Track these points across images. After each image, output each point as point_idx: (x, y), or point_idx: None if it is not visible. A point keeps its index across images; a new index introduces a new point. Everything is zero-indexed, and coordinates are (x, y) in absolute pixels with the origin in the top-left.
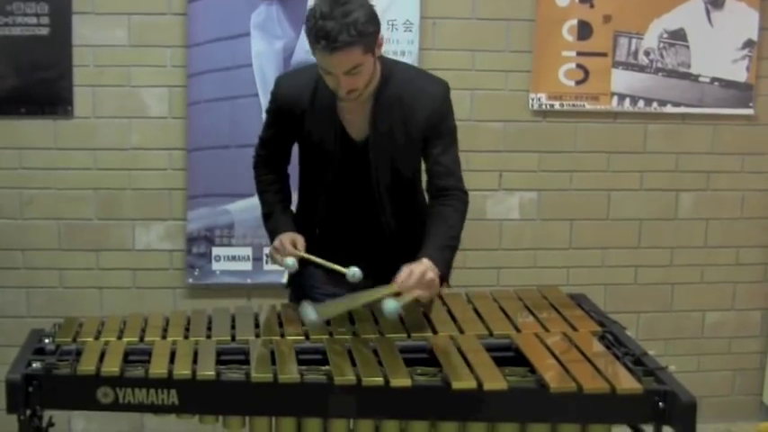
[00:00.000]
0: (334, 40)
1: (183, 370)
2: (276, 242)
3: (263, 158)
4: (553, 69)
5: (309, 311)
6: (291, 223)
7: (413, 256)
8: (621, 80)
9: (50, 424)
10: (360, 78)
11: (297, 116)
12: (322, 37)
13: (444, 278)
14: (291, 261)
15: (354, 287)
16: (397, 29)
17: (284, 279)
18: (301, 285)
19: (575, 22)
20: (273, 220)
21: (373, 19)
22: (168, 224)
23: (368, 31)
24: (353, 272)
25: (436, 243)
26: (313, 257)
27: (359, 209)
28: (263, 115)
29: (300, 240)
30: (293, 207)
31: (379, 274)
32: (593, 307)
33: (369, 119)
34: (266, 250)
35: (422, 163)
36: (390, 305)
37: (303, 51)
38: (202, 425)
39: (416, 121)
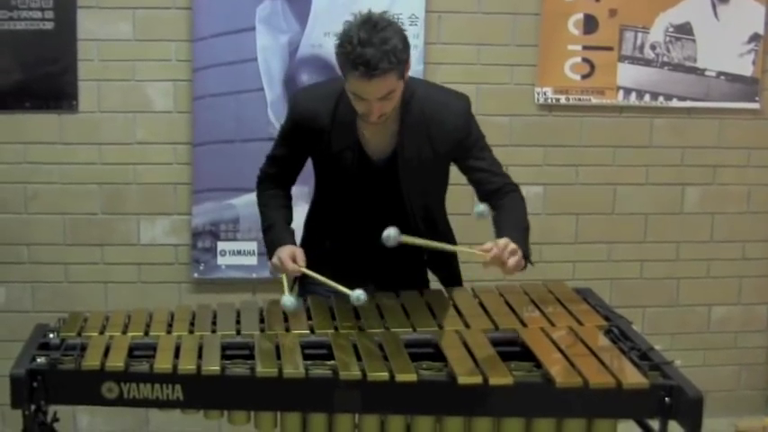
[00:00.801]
0: (375, 68)
1: (187, 365)
2: (275, 258)
3: (270, 176)
4: (559, 63)
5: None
6: (292, 237)
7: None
8: (627, 74)
9: (55, 419)
10: (391, 103)
11: (315, 132)
12: (361, 64)
13: (526, 257)
14: (290, 301)
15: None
16: (402, 23)
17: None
18: (307, 283)
19: (580, 15)
20: (273, 234)
21: (408, 45)
22: (173, 219)
23: (404, 58)
24: (357, 295)
25: (508, 226)
26: (314, 274)
27: (378, 228)
28: (269, 110)
29: (300, 255)
30: (302, 216)
31: (392, 284)
32: (598, 301)
33: (395, 139)
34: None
35: (447, 184)
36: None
37: (308, 46)
38: (207, 420)
39: (442, 137)
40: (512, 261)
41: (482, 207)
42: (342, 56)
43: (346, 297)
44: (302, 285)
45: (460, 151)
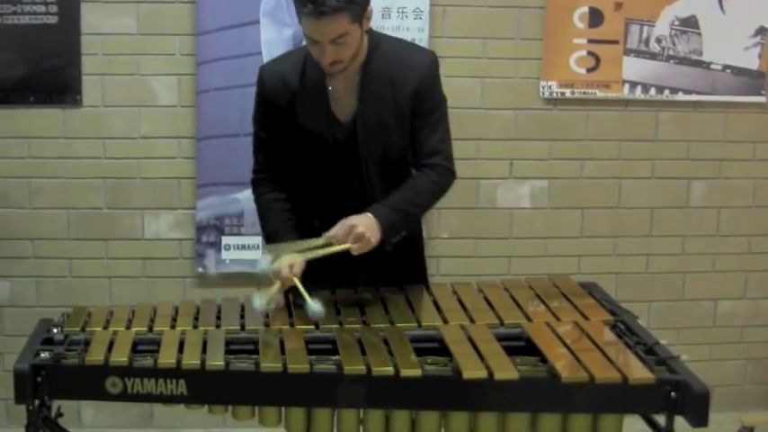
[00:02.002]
0: (322, 4)
1: (192, 360)
2: (276, 264)
3: (262, 176)
4: (564, 57)
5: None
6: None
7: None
8: (633, 68)
9: (59, 414)
10: (345, 49)
11: (287, 103)
12: (310, 1)
13: (386, 240)
14: (259, 302)
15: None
16: (407, 16)
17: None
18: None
19: (586, 9)
20: (279, 239)
21: None
22: (177, 213)
23: (357, 0)
24: (312, 310)
25: (390, 202)
26: (301, 288)
27: (351, 193)
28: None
29: (299, 266)
30: None
31: (372, 261)
32: (604, 296)
33: (356, 94)
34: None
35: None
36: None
37: None
38: (211, 415)
39: (404, 92)
40: (356, 247)
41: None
42: None
43: (305, 304)
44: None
45: (418, 110)
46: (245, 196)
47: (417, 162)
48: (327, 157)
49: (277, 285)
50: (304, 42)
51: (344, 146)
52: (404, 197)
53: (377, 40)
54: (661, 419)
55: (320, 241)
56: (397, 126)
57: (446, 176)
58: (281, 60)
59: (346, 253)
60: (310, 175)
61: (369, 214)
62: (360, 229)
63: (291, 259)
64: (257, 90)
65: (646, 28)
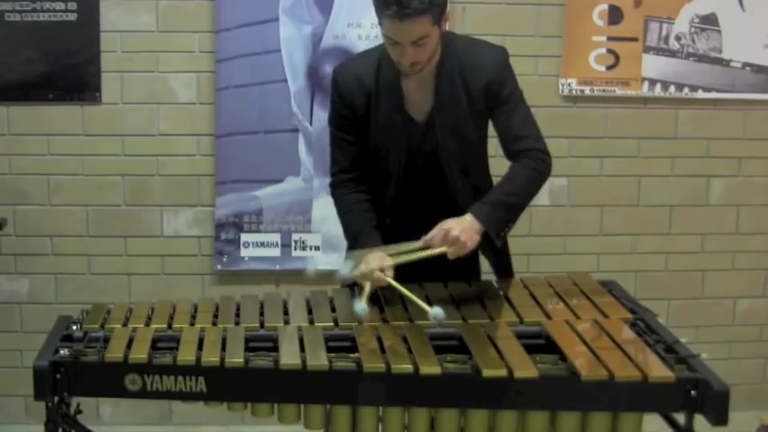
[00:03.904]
0: (407, 6)
1: (211, 357)
2: (363, 266)
3: (343, 177)
4: (583, 54)
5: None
6: (380, 242)
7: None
8: (652, 65)
9: (78, 411)
10: (425, 51)
11: (363, 103)
12: (393, 2)
13: (489, 235)
14: (362, 308)
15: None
16: None
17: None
18: None
19: (605, 6)
20: (360, 240)
21: None
22: (196, 210)
23: (439, 2)
24: (435, 313)
25: (489, 198)
26: (400, 287)
27: (430, 191)
28: (292, 101)
29: (389, 266)
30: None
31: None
32: (624, 294)
33: (432, 92)
34: (295, 236)
35: (486, 138)
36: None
37: (331, 37)
38: (230, 412)
39: (476, 88)
40: (451, 250)
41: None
42: None
43: (424, 313)
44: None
45: (494, 104)
46: (265, 193)
47: (509, 152)
48: (402, 156)
49: (368, 287)
50: (367, 42)
51: (421, 144)
52: (502, 190)
53: (449, 39)
54: (681, 418)
55: (416, 245)
56: (473, 123)
57: (539, 158)
58: (355, 62)
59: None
60: (384, 174)
61: (467, 217)
62: (455, 233)
63: (380, 260)
64: (333, 92)
65: (665, 25)
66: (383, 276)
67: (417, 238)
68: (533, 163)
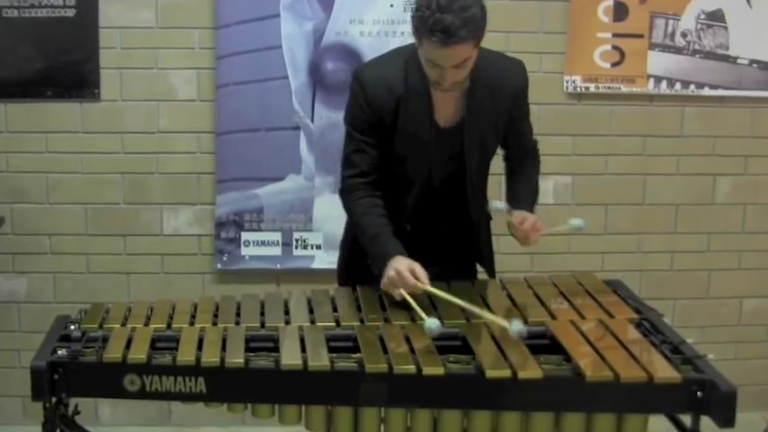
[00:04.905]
0: (453, 35)
1: (211, 357)
2: (391, 272)
3: (357, 180)
4: (588, 51)
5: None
6: (402, 247)
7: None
8: (658, 62)
9: (76, 412)
10: (465, 71)
11: (392, 108)
12: (439, 30)
13: None
14: (435, 324)
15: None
16: None
17: (315, 264)
18: (357, 270)
19: (610, 2)
20: (381, 243)
21: (485, 13)
22: (196, 209)
23: (482, 26)
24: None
25: (529, 198)
26: (438, 292)
27: (449, 199)
28: (293, 98)
29: (420, 270)
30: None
31: (458, 269)
32: (629, 293)
33: (463, 103)
34: (296, 235)
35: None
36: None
37: (333, 33)
38: (231, 413)
39: (504, 99)
40: (533, 238)
41: (498, 204)
42: (419, 20)
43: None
44: (353, 274)
45: (515, 111)
46: (265, 192)
47: (514, 157)
48: (427, 163)
49: (411, 299)
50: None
51: (445, 152)
52: (530, 189)
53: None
54: (687, 419)
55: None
56: (495, 135)
57: (539, 151)
58: (382, 65)
59: (442, 235)
60: (406, 180)
61: (533, 217)
62: (538, 224)
63: (409, 265)
64: (356, 95)
65: (671, 22)
66: (417, 283)
67: (436, 246)
68: (537, 154)
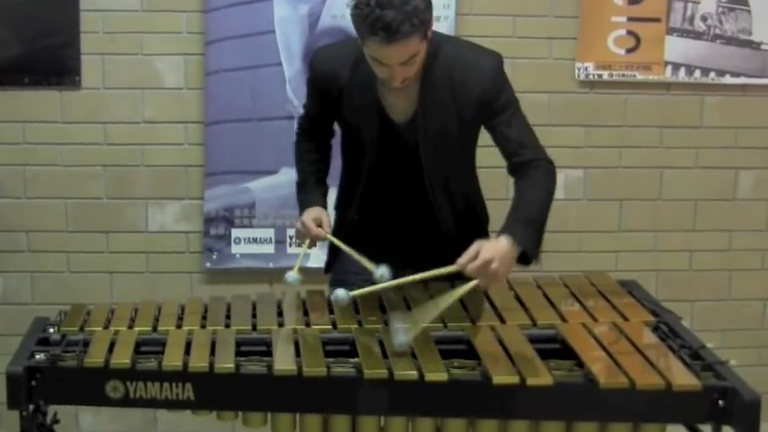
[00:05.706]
0: (396, 32)
1: (199, 362)
2: (298, 223)
3: (306, 129)
4: (601, 36)
5: (400, 334)
6: (322, 197)
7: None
8: (676, 48)
9: (55, 420)
10: (414, 67)
11: (334, 95)
12: (380, 28)
13: (527, 257)
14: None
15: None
16: None
17: (310, 263)
18: (340, 270)
19: None
20: (305, 192)
21: (430, 4)
22: (184, 204)
23: (427, 19)
24: (381, 272)
25: (520, 216)
26: (339, 242)
27: (404, 191)
28: (287, 86)
29: (326, 220)
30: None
31: (422, 264)
32: (644, 295)
33: (416, 99)
34: (290, 231)
35: (473, 147)
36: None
37: (329, 17)
38: (220, 421)
39: (468, 99)
40: (483, 283)
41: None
42: (358, 18)
43: (369, 273)
44: (337, 273)
45: (488, 115)
46: (258, 186)
47: (513, 165)
48: (371, 158)
49: (304, 250)
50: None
51: (398, 145)
52: (526, 208)
53: (437, 43)
54: (707, 429)
55: (451, 269)
56: (460, 134)
57: (546, 168)
58: (336, 48)
59: (398, 232)
60: (356, 170)
61: (504, 240)
62: (495, 265)
63: (316, 215)
64: (310, 67)
65: (690, 5)
66: (320, 232)
67: (384, 237)
68: (542, 173)
